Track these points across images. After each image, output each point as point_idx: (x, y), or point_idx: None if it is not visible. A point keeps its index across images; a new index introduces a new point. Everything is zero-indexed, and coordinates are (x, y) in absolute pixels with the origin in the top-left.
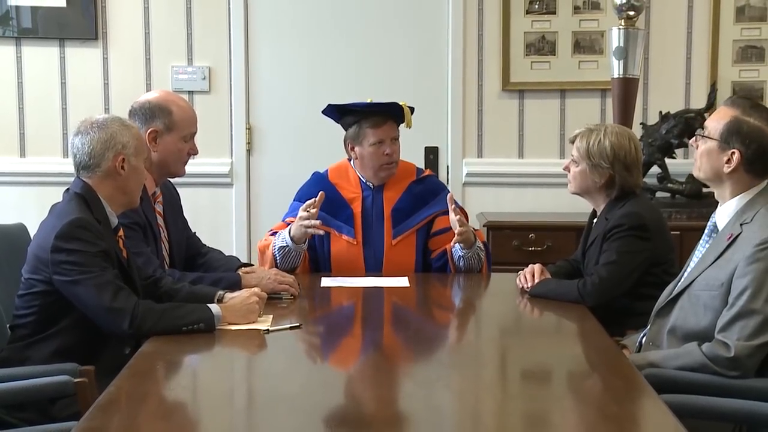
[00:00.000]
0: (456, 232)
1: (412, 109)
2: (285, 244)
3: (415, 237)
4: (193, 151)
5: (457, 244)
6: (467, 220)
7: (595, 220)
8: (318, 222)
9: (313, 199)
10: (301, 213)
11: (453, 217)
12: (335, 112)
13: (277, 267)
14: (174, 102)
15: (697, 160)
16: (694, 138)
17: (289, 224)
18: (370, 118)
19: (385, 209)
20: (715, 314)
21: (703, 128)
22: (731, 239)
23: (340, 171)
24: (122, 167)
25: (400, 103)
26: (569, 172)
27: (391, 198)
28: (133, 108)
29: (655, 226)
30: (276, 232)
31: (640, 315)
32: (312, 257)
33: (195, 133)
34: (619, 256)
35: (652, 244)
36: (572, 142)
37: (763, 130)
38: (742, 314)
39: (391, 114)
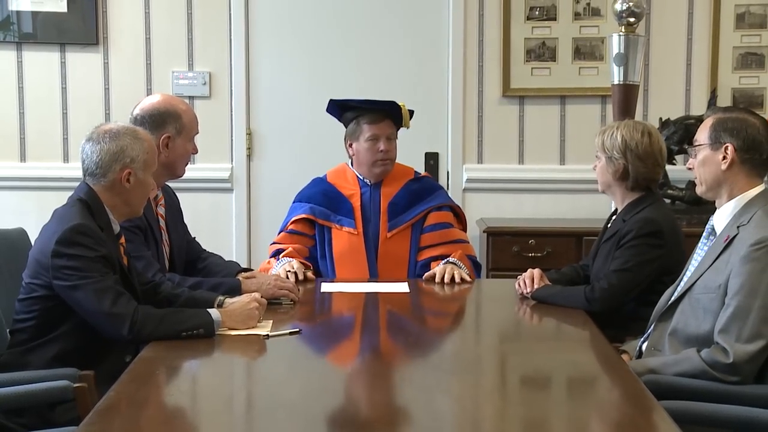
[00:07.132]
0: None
1: (411, 112)
2: None
3: (410, 232)
4: (195, 151)
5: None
6: (465, 227)
7: (613, 218)
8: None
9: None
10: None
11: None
12: (337, 108)
13: None
14: (178, 105)
15: (696, 174)
16: (689, 161)
17: (289, 231)
18: (368, 115)
19: (382, 204)
20: (715, 317)
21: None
22: (728, 241)
23: (338, 173)
24: (128, 180)
25: (399, 104)
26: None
27: (388, 194)
28: (140, 115)
29: (670, 234)
30: (277, 251)
31: (645, 321)
32: (313, 255)
33: (198, 133)
34: (632, 264)
35: (665, 251)
36: None
37: (746, 119)
38: (737, 315)
39: (390, 114)
